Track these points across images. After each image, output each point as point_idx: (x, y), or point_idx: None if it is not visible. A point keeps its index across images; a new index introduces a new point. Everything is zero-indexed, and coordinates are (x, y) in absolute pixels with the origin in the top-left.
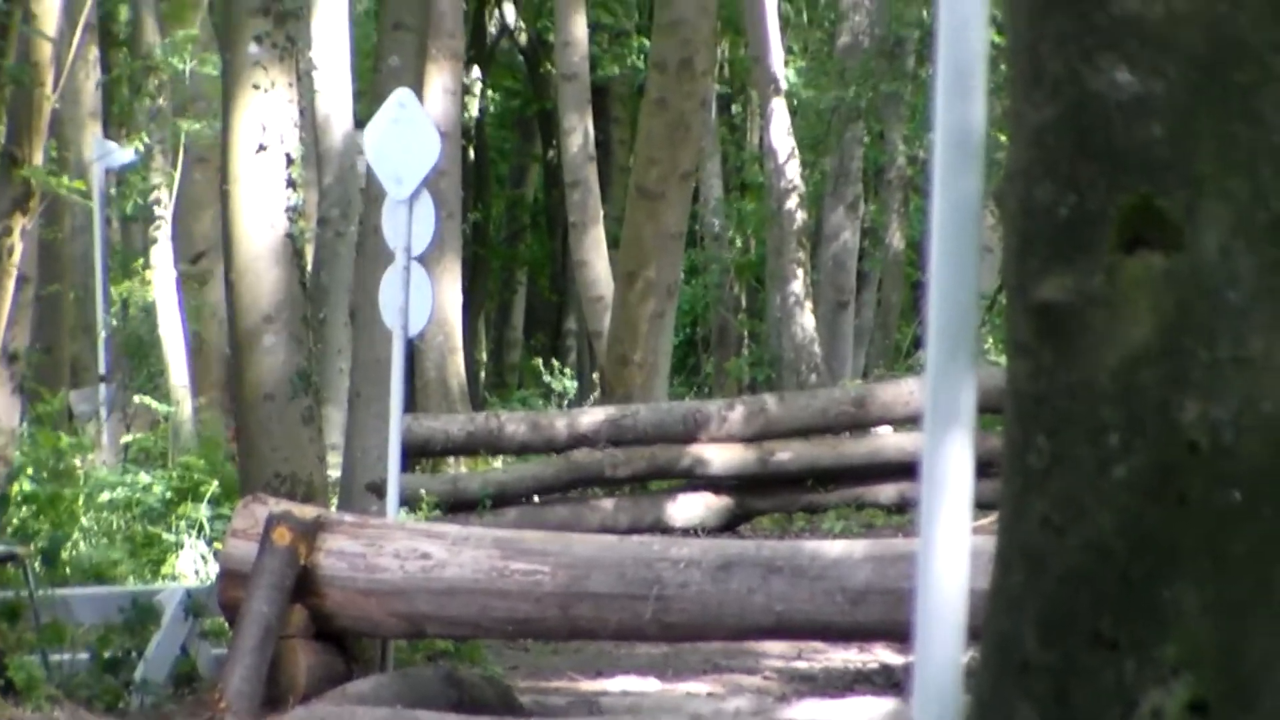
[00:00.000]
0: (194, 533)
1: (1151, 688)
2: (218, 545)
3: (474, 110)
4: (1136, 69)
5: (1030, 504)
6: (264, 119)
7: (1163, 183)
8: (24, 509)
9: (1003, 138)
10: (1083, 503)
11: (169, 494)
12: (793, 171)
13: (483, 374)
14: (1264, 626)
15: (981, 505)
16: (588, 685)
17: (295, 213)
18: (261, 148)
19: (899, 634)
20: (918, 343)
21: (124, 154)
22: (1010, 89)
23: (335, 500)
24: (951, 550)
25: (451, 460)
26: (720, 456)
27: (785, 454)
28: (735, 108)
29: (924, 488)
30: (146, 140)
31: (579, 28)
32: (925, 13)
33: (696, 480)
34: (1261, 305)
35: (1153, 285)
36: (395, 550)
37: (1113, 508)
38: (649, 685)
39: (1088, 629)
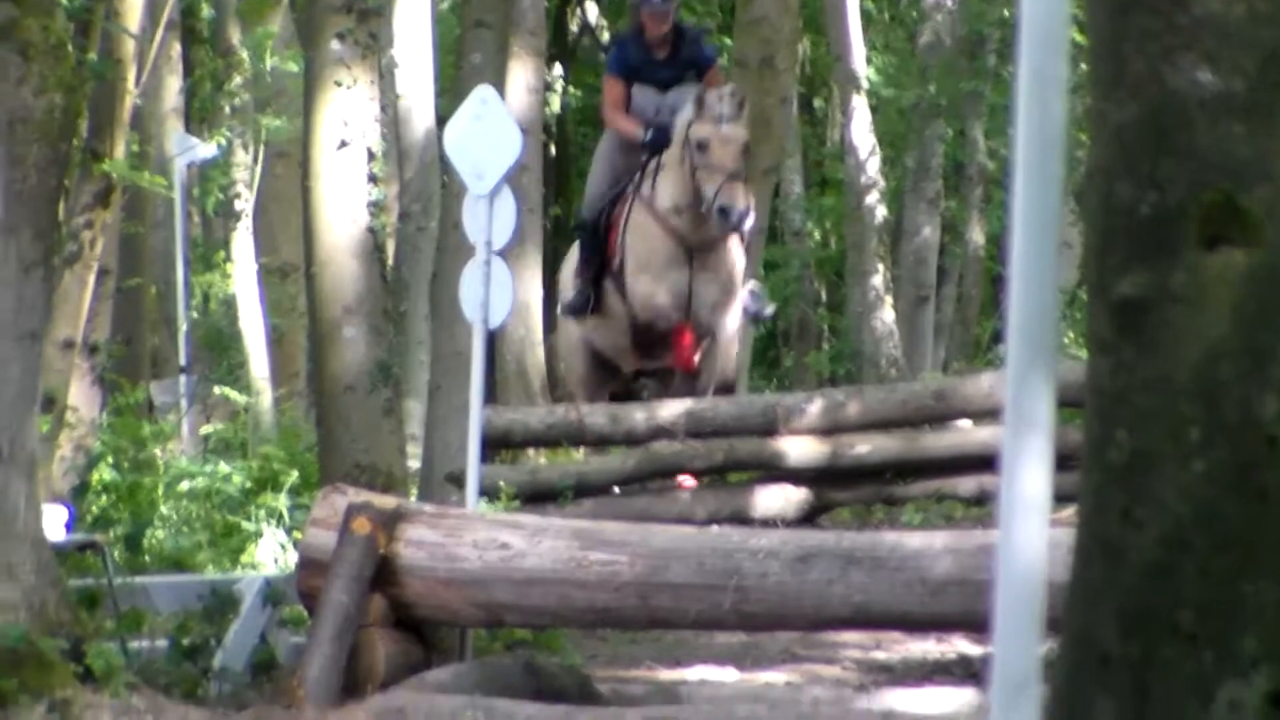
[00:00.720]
0: (273, 522)
1: (1230, 680)
2: (297, 535)
3: (556, 106)
4: (1218, 68)
5: (1110, 498)
6: (346, 115)
7: (1244, 180)
8: (104, 497)
9: (1083, 136)
10: (1162, 497)
11: (249, 484)
12: (873, 168)
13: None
14: None
15: (1061, 498)
16: (666, 674)
17: (376, 207)
18: (343, 143)
19: (978, 625)
20: (997, 337)
21: (206, 149)
22: (1091, 87)
23: (415, 491)
24: (1031, 542)
25: (531, 451)
26: (799, 449)
27: (864, 447)
28: (816, 104)
29: (1003, 481)
30: (228, 135)
31: None
32: (1007, 11)
33: (775, 472)
34: None
35: (1234, 282)
36: (474, 540)
37: (1192, 502)
38: (727, 675)
39: (1167, 622)
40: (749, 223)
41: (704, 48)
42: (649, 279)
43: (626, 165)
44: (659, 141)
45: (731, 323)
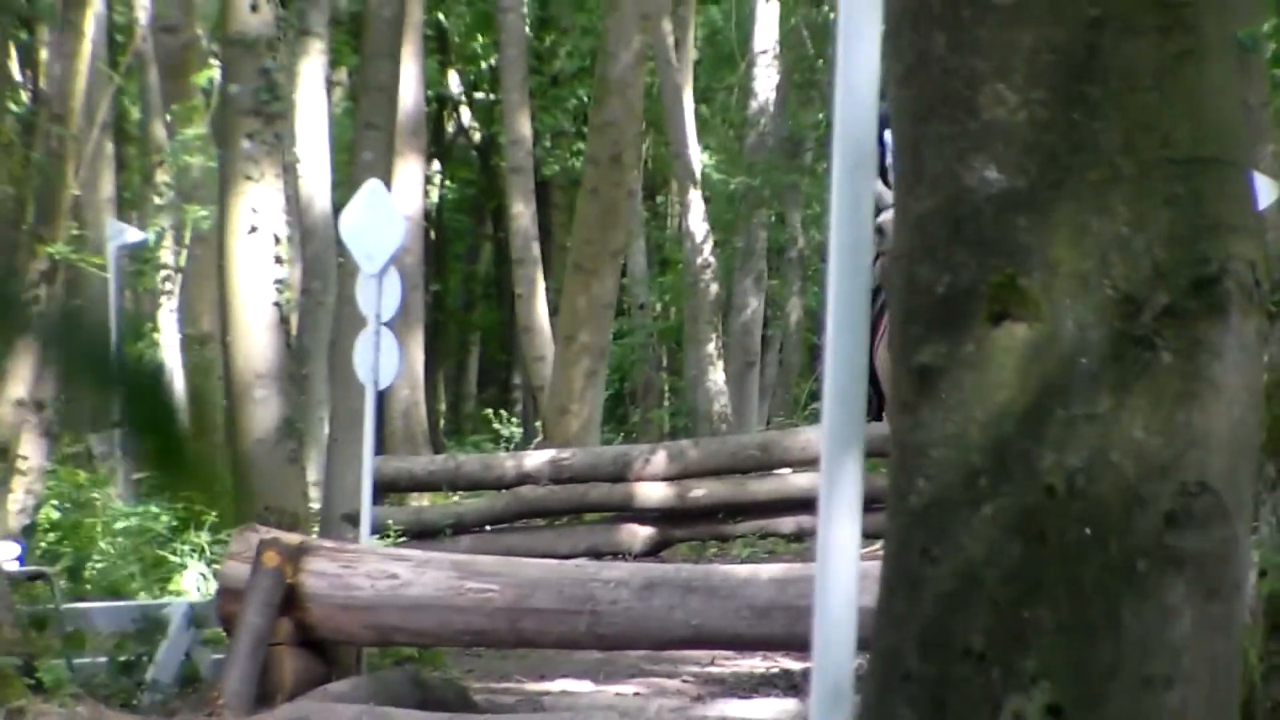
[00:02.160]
0: (196, 556)
1: (1014, 695)
2: (216, 566)
3: (435, 197)
4: (1004, 168)
5: (912, 538)
6: (255, 205)
7: (1025, 265)
8: (51, 534)
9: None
10: (956, 537)
11: (175, 523)
12: (707, 251)
13: (442, 422)
14: (1109, 643)
15: (869, 535)
16: (532, 686)
17: (282, 285)
18: (253, 229)
19: (799, 645)
20: (814, 396)
21: (134, 234)
22: (895, 183)
23: (316, 529)
24: (844, 574)
25: (415, 495)
26: (645, 493)
27: (700, 491)
28: (659, 196)
29: (820, 521)
30: (161, 226)
31: (524, 127)
32: (822, 115)
33: (624, 513)
34: (1109, 370)
35: (1016, 353)
36: (367, 571)
37: (981, 541)
38: (584, 686)
39: (960, 644)
40: None
41: None
42: None
43: None
44: None
45: None
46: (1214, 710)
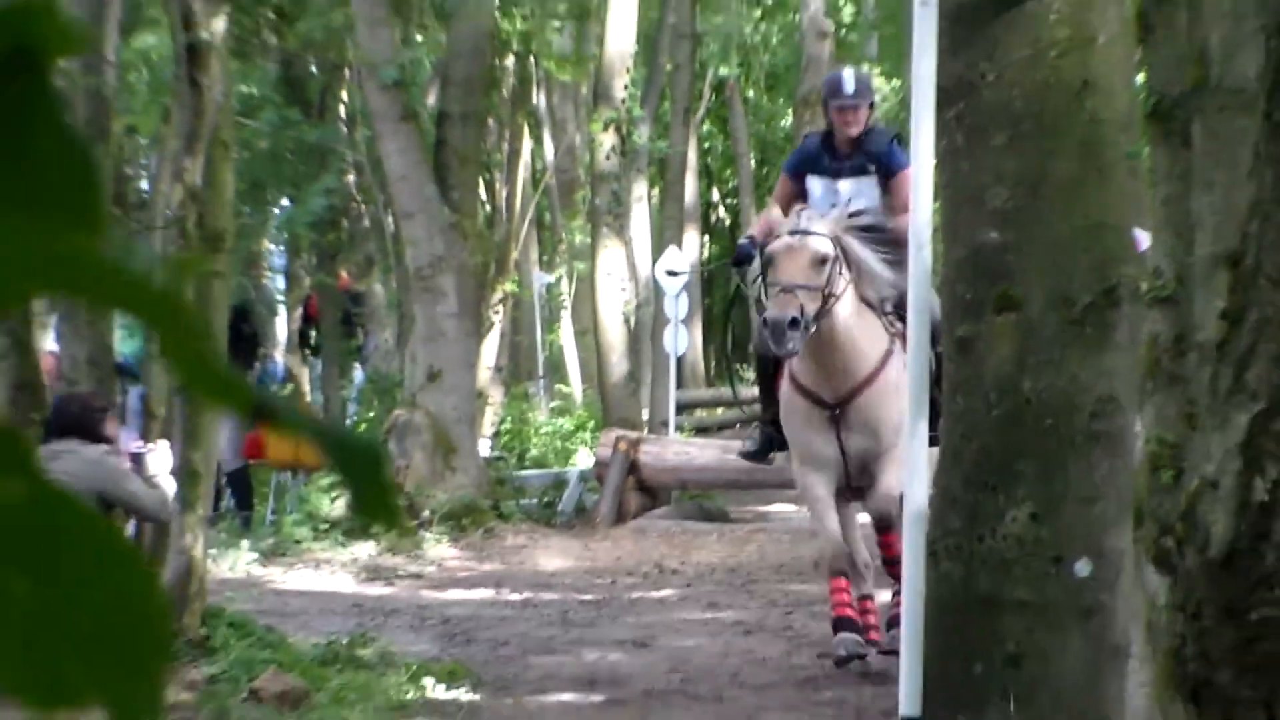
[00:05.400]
0: (584, 444)
1: (1012, 508)
2: (594, 451)
3: (705, 254)
4: (1000, 231)
5: (955, 428)
6: (610, 261)
7: (1013, 281)
8: (506, 437)
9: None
10: (977, 426)
11: (572, 428)
12: None
13: (710, 372)
14: (1062, 481)
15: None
16: (762, 508)
17: (625, 304)
18: (609, 274)
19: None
20: None
21: (548, 278)
22: (944, 240)
23: (646, 429)
24: (916, 458)
25: (699, 410)
26: None
27: None
28: None
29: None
30: (560, 273)
31: (754, 217)
32: None
33: None
34: (1058, 337)
35: (1010, 330)
36: (674, 451)
37: (991, 430)
38: (789, 509)
39: (982, 482)
40: (793, 342)
41: (892, 149)
42: (799, 461)
43: None
44: (742, 254)
45: (889, 464)
46: (1119, 514)
